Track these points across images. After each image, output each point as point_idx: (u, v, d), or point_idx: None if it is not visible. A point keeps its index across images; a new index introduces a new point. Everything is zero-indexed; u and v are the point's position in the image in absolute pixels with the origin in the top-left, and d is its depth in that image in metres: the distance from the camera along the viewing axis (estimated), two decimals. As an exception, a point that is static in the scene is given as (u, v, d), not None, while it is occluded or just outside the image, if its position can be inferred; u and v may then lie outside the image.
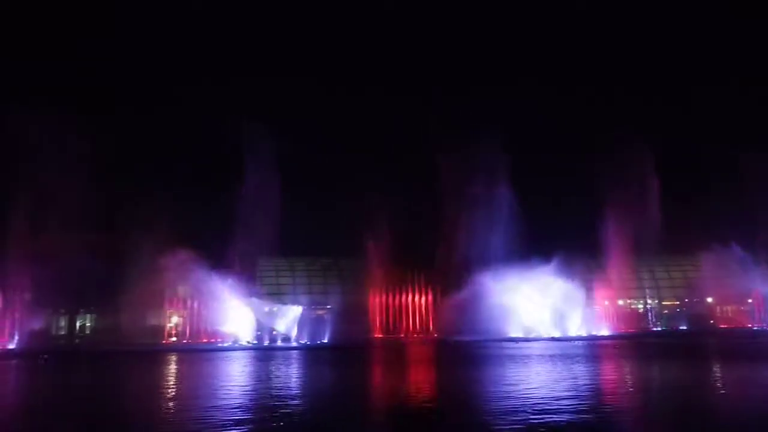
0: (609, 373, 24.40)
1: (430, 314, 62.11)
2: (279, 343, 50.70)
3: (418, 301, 62.44)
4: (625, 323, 61.03)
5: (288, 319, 53.01)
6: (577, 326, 55.06)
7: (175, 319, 58.27)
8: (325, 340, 53.00)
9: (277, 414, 15.04)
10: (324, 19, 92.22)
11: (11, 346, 48.36)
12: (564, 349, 35.70)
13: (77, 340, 56.46)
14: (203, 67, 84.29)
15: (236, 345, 49.92)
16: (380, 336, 59.92)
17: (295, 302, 56.65)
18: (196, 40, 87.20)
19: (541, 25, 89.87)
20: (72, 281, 52.47)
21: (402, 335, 60.09)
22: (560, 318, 54.27)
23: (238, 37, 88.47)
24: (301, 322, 53.15)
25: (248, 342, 50.77)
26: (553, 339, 49.45)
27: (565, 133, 67.43)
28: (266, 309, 52.48)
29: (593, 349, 37.34)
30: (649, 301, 67.31)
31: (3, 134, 50.14)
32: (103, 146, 55.33)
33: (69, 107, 63.46)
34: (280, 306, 53.13)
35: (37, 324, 53.47)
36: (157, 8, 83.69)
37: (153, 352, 42.87)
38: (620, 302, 64.77)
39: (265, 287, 60.74)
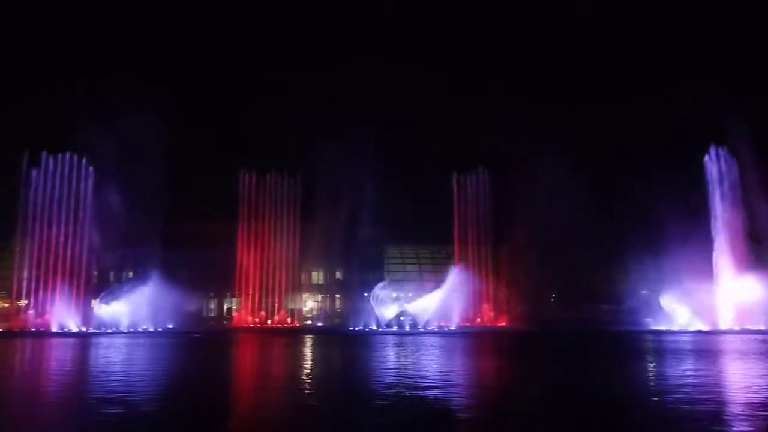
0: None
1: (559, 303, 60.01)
2: (407, 328, 51.84)
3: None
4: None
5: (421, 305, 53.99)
6: (727, 319, 50.63)
7: (310, 304, 61.76)
8: (453, 327, 53.34)
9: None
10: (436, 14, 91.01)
11: (170, 326, 53.72)
12: (730, 344, 33.13)
13: (225, 322, 61.56)
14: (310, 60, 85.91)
15: (367, 329, 51.79)
16: (506, 324, 58.95)
17: (421, 289, 57.60)
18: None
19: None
20: (221, 267, 57.49)
21: (531, 324, 58.55)
22: (709, 310, 50.22)
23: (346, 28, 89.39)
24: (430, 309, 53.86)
25: (375, 327, 52.43)
26: (700, 332, 45.83)
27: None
28: (394, 295, 53.75)
29: (754, 344, 34.00)
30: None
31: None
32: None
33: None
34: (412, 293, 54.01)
35: (190, 307, 58.83)
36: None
37: (290, 333, 45.84)
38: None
39: (392, 274, 62.30)
